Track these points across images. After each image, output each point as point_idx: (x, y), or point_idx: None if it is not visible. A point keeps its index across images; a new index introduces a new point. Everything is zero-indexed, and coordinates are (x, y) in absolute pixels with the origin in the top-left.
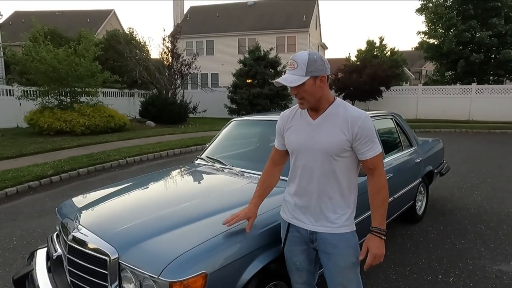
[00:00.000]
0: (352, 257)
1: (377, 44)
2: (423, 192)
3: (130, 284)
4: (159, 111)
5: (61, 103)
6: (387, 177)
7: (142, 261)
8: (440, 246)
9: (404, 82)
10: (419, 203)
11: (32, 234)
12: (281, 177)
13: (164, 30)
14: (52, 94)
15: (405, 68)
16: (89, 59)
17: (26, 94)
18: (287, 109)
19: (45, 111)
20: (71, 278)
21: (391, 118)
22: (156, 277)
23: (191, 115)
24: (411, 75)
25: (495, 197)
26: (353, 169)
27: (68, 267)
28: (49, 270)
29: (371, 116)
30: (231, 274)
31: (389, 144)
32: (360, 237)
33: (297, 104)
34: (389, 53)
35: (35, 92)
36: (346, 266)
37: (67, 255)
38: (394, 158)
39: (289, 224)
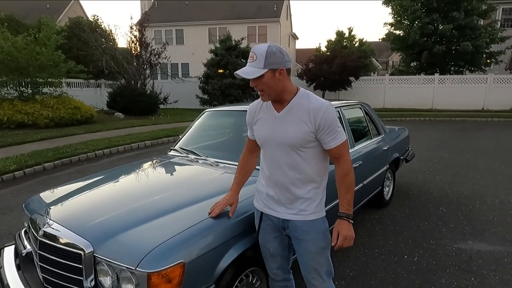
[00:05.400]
0: (322, 242)
1: (346, 34)
2: (390, 178)
3: (107, 277)
4: (128, 102)
5: (22, 94)
6: (357, 165)
7: (118, 254)
8: (406, 228)
9: (372, 73)
10: (387, 188)
11: None
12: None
13: (131, 18)
14: (11, 85)
15: (373, 59)
16: (51, 48)
17: None
18: (254, 101)
19: (4, 103)
20: (43, 274)
21: (360, 108)
22: (134, 268)
23: (161, 106)
24: (378, 66)
25: (455, 181)
26: (320, 158)
27: (39, 263)
28: (18, 267)
29: (341, 106)
30: (209, 263)
31: (358, 133)
32: (330, 223)
33: None
34: (357, 43)
35: None
36: (316, 251)
37: (38, 251)
38: (363, 146)
39: (261, 213)
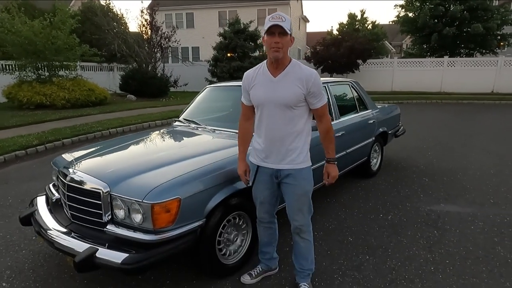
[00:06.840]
0: (307, 186)
1: (359, 17)
2: (378, 150)
3: (121, 210)
4: (140, 85)
5: (39, 77)
6: (339, 134)
7: (129, 191)
8: (387, 194)
9: (385, 56)
10: (374, 160)
11: (26, 194)
12: None
13: (142, 2)
14: (30, 68)
15: (386, 42)
16: (66, 32)
17: (2, 67)
18: (250, 69)
19: (23, 85)
20: (71, 211)
21: (349, 85)
22: (141, 201)
23: (172, 89)
24: (391, 49)
25: (445, 156)
26: (307, 117)
27: (68, 202)
28: (50, 211)
29: (328, 82)
30: (200, 202)
31: (345, 107)
32: (315, 182)
33: (261, 63)
34: (370, 26)
35: (11, 66)
36: (301, 193)
37: (67, 192)
38: (347, 119)
39: (258, 166)
